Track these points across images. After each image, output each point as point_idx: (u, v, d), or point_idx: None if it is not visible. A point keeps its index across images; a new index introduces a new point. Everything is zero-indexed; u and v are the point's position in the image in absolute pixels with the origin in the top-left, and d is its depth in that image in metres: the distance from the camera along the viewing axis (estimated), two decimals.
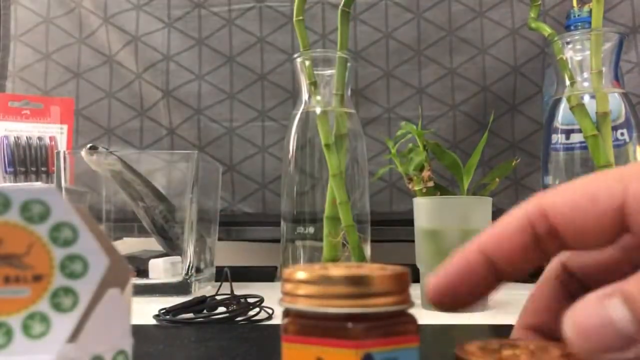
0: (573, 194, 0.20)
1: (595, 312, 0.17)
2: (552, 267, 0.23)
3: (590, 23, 0.64)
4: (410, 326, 0.21)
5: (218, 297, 0.52)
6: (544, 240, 0.20)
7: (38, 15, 0.95)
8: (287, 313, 0.21)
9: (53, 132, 0.83)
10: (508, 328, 0.44)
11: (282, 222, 0.66)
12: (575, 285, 0.22)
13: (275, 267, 0.86)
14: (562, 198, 0.20)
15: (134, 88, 0.93)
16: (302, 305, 0.20)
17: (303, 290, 0.20)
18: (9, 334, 0.21)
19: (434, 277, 0.22)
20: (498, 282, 0.21)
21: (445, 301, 0.21)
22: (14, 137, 0.80)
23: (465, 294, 0.21)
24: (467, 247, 0.21)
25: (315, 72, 0.64)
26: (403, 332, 0.20)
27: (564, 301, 0.22)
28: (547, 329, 0.22)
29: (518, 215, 0.21)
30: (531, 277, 0.71)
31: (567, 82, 0.60)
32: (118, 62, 0.93)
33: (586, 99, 0.59)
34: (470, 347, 0.21)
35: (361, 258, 0.61)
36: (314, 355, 0.20)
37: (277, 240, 0.68)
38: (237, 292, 0.53)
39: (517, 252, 0.20)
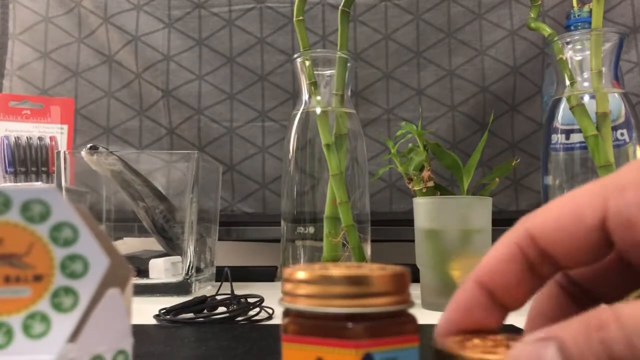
0: (558, 215, 0.20)
1: (530, 356, 0.17)
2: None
3: (590, 23, 0.64)
4: (410, 326, 0.21)
5: (218, 297, 0.52)
6: (537, 265, 0.20)
7: (37, 14, 0.95)
8: (287, 313, 0.21)
9: (53, 132, 0.83)
10: (506, 327, 0.44)
11: (282, 222, 0.66)
12: (575, 289, 0.22)
13: (276, 267, 0.86)
14: (548, 220, 0.20)
15: (134, 88, 0.93)
16: (302, 305, 0.20)
17: (303, 290, 0.20)
18: (9, 333, 0.21)
19: (441, 317, 0.22)
20: (504, 312, 0.21)
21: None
22: (14, 137, 0.80)
23: (472, 329, 0.21)
24: (465, 281, 0.21)
25: (315, 72, 0.64)
26: (403, 332, 0.20)
27: (565, 305, 0.22)
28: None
29: (507, 243, 0.21)
30: None
31: (567, 82, 0.60)
32: (117, 62, 0.93)
33: (586, 99, 0.59)
34: (448, 340, 0.21)
35: (361, 258, 0.61)
36: (314, 355, 0.20)
37: (277, 240, 0.68)
38: (237, 292, 0.53)
39: (512, 281, 0.20)
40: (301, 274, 0.21)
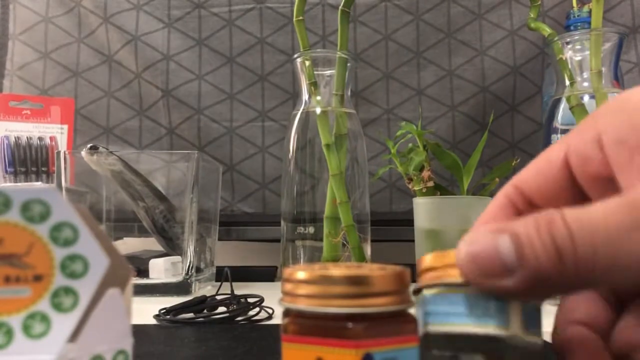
0: (536, 164, 0.23)
1: (486, 242, 0.19)
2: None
3: (589, 23, 0.64)
4: (409, 326, 0.21)
5: (218, 297, 0.52)
6: (524, 212, 0.23)
7: (37, 14, 0.95)
8: (287, 313, 0.21)
9: (53, 132, 0.83)
10: None
11: (282, 222, 0.66)
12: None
13: (276, 267, 0.86)
14: (529, 170, 0.23)
15: (134, 87, 0.93)
16: (302, 305, 0.20)
17: (303, 290, 0.20)
18: (9, 333, 0.21)
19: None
20: None
21: None
22: (15, 137, 0.80)
23: None
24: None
25: (315, 73, 0.64)
26: (403, 332, 0.20)
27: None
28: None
29: (498, 197, 0.24)
30: None
31: (567, 82, 0.60)
32: (117, 62, 0.93)
33: (586, 99, 0.59)
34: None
35: (361, 258, 0.61)
36: (314, 355, 0.20)
37: (277, 240, 0.68)
38: (237, 292, 0.53)
39: None
40: (301, 274, 0.21)
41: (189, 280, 0.65)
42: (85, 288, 0.22)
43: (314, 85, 0.64)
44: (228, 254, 0.90)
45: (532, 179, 0.23)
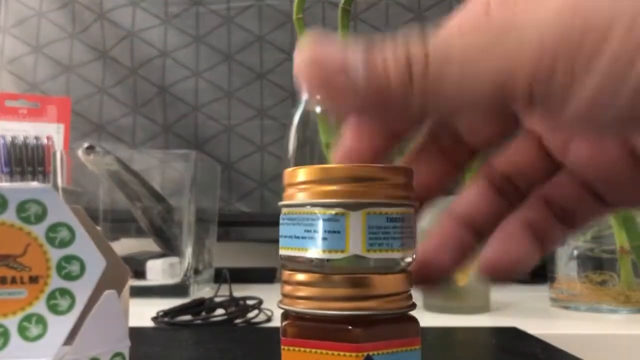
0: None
1: (335, 50, 0.17)
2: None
3: None
4: (411, 328, 0.20)
5: (216, 299, 0.52)
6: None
7: (30, 8, 0.94)
8: (286, 315, 0.21)
9: (50, 132, 0.82)
10: (509, 329, 0.44)
11: None
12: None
13: (275, 268, 0.85)
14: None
15: (128, 84, 0.92)
16: (301, 307, 0.20)
17: (302, 292, 0.20)
18: (4, 336, 0.21)
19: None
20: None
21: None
22: (11, 137, 0.79)
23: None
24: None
25: None
26: (404, 335, 0.20)
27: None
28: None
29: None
30: (532, 277, 0.70)
31: None
32: (112, 58, 0.93)
33: None
34: None
35: None
36: (314, 358, 0.19)
37: (277, 241, 0.67)
38: (236, 294, 0.53)
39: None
40: (301, 276, 0.20)
41: (187, 282, 0.65)
42: (82, 290, 0.22)
43: None
44: (226, 255, 0.89)
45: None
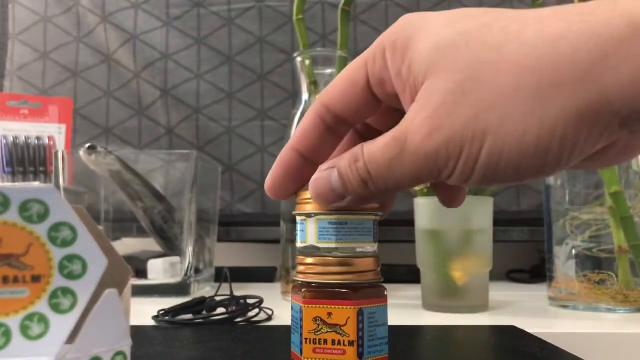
0: (340, 84, 0.28)
1: (323, 179, 0.27)
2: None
3: None
4: (382, 292, 0.30)
5: (217, 298, 0.52)
6: (334, 127, 0.28)
7: (36, 14, 0.94)
8: (303, 285, 0.30)
9: (51, 132, 0.82)
10: (508, 328, 0.44)
11: (282, 223, 0.66)
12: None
13: (275, 268, 0.85)
14: (334, 90, 0.28)
15: (132, 87, 0.92)
16: (315, 279, 0.30)
17: (314, 270, 0.30)
18: (7, 335, 0.21)
19: (268, 179, 0.31)
20: (315, 168, 0.29)
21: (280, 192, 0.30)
22: (13, 137, 0.80)
23: (292, 187, 0.30)
24: (283, 151, 0.30)
25: (315, 72, 0.64)
26: (378, 296, 0.30)
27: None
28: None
29: (309, 116, 0.29)
30: (531, 277, 0.71)
31: None
32: (116, 61, 0.93)
33: None
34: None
35: None
36: (325, 311, 0.29)
37: (277, 241, 0.67)
38: (237, 293, 0.53)
39: (318, 143, 0.29)
40: (310, 260, 0.30)
41: (188, 281, 0.65)
42: (84, 289, 0.22)
43: (314, 84, 0.63)
44: (227, 254, 0.90)
45: (339, 99, 0.28)
